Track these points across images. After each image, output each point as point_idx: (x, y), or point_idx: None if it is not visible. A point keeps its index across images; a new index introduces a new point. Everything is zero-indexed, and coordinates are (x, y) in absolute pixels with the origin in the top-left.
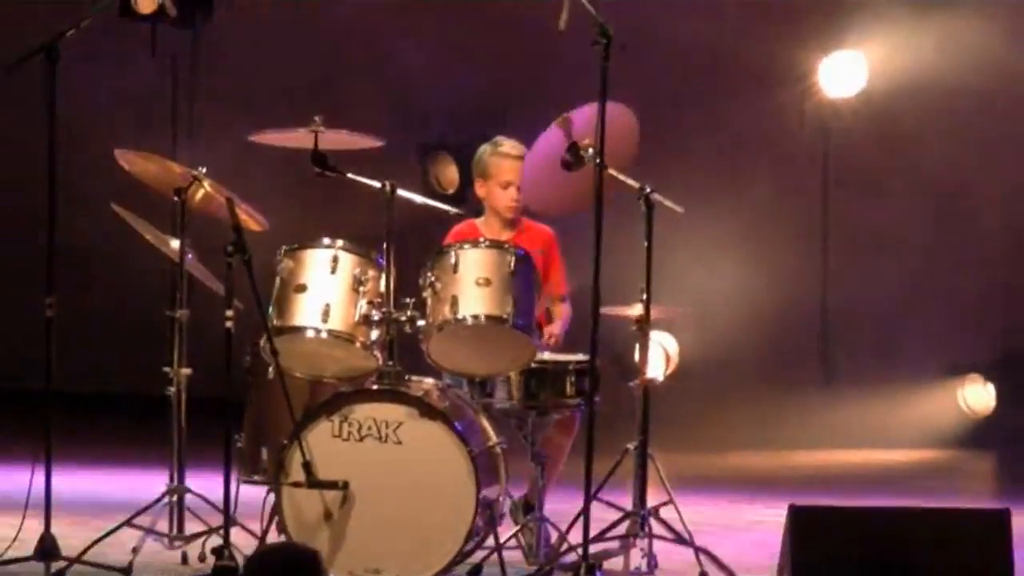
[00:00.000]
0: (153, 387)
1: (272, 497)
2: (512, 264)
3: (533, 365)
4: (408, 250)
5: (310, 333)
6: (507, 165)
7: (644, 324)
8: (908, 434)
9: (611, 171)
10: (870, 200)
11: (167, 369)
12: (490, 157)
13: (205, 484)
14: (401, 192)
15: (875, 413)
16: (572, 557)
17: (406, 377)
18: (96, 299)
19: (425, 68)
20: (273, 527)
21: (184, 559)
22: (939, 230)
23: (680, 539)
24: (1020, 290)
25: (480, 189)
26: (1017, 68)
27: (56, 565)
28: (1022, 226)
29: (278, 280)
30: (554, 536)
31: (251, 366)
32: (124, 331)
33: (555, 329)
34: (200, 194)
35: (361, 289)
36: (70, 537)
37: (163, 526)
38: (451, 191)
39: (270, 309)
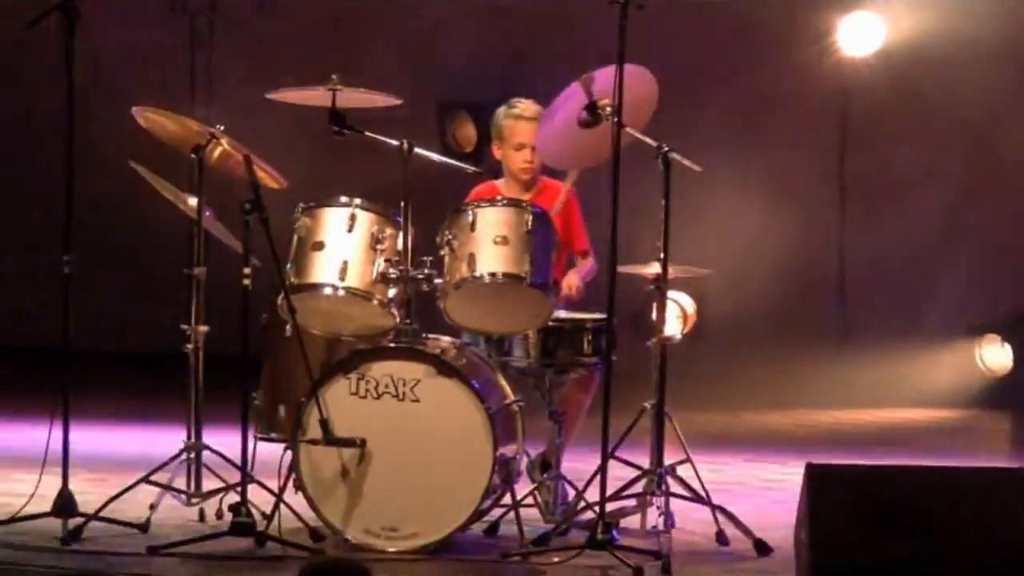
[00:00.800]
0: (171, 344)
1: (289, 454)
2: (530, 223)
3: (550, 323)
4: (426, 209)
5: (327, 291)
6: (520, 127)
7: (661, 283)
8: (925, 394)
9: (629, 130)
10: (888, 159)
11: (185, 326)
12: (504, 119)
13: (222, 441)
14: (419, 150)
15: (893, 372)
16: (589, 515)
17: (423, 335)
18: (114, 256)
19: (444, 26)
20: (290, 484)
21: (201, 516)
22: (957, 191)
23: (697, 497)
24: None
25: (497, 151)
26: None
27: (74, 521)
28: None
29: (295, 238)
30: (571, 494)
31: (268, 324)
32: (142, 288)
33: (572, 279)
34: (218, 151)
35: (378, 247)
36: (88, 494)
37: (180, 483)
38: (469, 150)
39: (287, 266)
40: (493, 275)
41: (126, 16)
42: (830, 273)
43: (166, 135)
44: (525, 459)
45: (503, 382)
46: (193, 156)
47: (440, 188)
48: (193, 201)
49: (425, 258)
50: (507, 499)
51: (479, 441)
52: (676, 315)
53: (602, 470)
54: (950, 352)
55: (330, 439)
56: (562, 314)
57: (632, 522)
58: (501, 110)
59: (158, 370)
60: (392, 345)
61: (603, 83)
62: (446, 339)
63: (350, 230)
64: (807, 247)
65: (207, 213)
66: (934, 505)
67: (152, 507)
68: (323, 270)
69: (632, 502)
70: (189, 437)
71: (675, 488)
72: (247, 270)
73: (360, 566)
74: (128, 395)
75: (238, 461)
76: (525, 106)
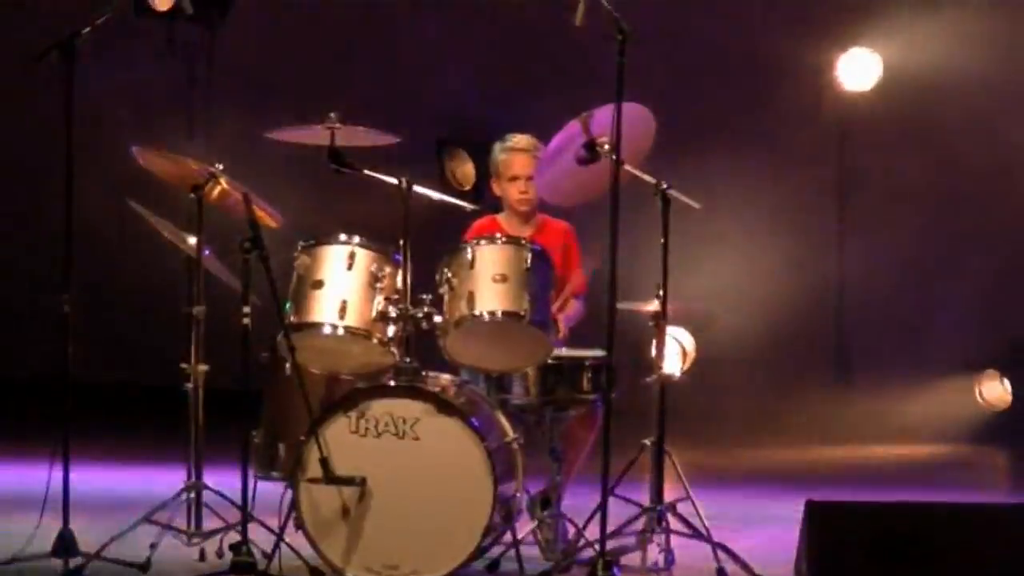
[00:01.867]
0: (170, 383)
1: (290, 493)
2: (529, 260)
3: (549, 361)
4: (425, 246)
5: (327, 329)
6: (514, 159)
7: (660, 319)
8: (925, 429)
9: (627, 167)
10: (886, 194)
11: (184, 365)
12: (499, 154)
13: (222, 480)
14: (417, 188)
15: (892, 408)
16: (589, 553)
17: (423, 373)
18: (113, 295)
19: (441, 64)
20: (290, 523)
21: (202, 555)
22: (956, 226)
23: (697, 534)
24: None
25: (496, 187)
26: None
27: (74, 562)
28: None
29: (295, 276)
30: (571, 532)
31: (268, 362)
32: (141, 327)
33: (561, 324)
34: (217, 191)
35: (378, 285)
36: (88, 533)
37: (181, 522)
38: (467, 187)
39: (287, 305)
40: (492, 313)
41: (124, 56)
42: (829, 309)
43: (165, 174)
44: (525, 497)
45: (503, 420)
46: (192, 195)
47: (439, 225)
48: (192, 240)
49: (424, 296)
50: (507, 537)
51: (479, 479)
52: (676, 352)
53: (602, 507)
54: (949, 387)
55: (330, 478)
56: (562, 352)
57: (633, 559)
58: (496, 145)
59: (158, 409)
60: (392, 383)
61: (601, 120)
62: (446, 377)
63: (349, 268)
64: (805, 284)
65: (206, 251)
66: (933, 540)
67: (152, 547)
68: (322, 309)
69: (632, 539)
70: (189, 476)
71: (675, 525)
72: (247, 309)
73: None
74: (128, 434)
75: (238, 500)
76: (519, 139)
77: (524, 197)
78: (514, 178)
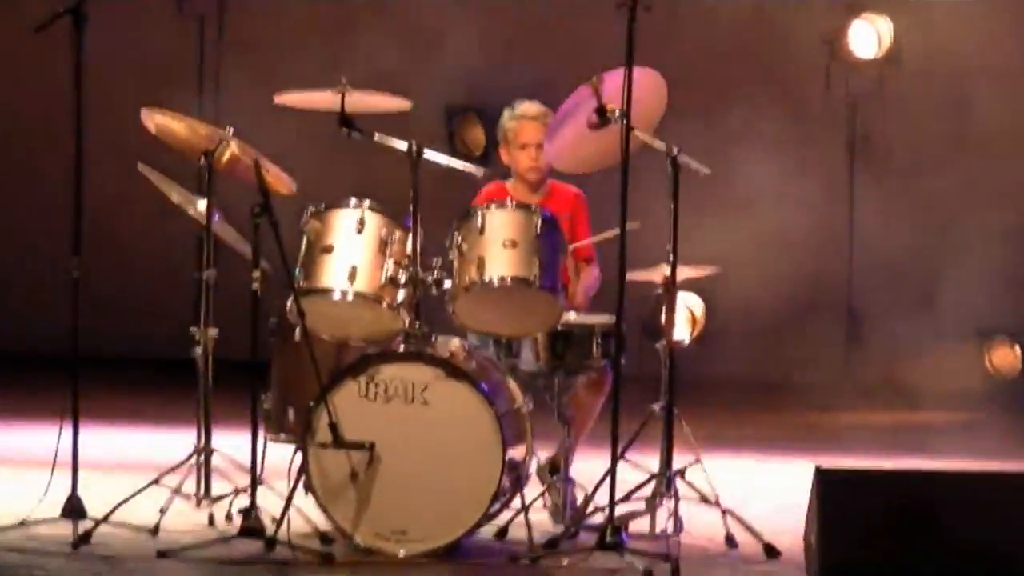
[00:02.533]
0: (180, 348)
1: (299, 458)
2: (539, 226)
3: (559, 327)
4: (434, 212)
5: (337, 294)
6: (524, 126)
7: (670, 285)
8: (935, 396)
9: (637, 132)
10: (896, 162)
11: (194, 330)
12: (508, 121)
13: (232, 444)
14: (427, 153)
15: (902, 375)
16: (598, 518)
17: (432, 338)
18: (123, 260)
19: (452, 29)
20: (300, 487)
21: (211, 520)
22: (968, 192)
23: (706, 500)
24: None
25: (504, 155)
26: None
27: (83, 525)
28: None
29: (305, 241)
30: (580, 497)
31: (278, 327)
32: (151, 292)
33: (579, 298)
34: (227, 155)
35: (388, 250)
36: (97, 497)
37: (190, 486)
38: (477, 153)
39: (297, 270)
40: (502, 278)
41: (134, 20)
42: (839, 275)
43: (175, 139)
44: (534, 462)
45: (512, 385)
46: (202, 160)
47: (448, 191)
48: (202, 204)
49: (434, 261)
50: (516, 502)
51: (488, 444)
52: (685, 318)
53: (611, 473)
54: (960, 354)
55: (339, 442)
56: (571, 317)
57: (641, 525)
58: (505, 113)
59: (167, 373)
60: (401, 348)
61: (612, 86)
62: (455, 342)
63: (359, 233)
64: (816, 250)
65: (216, 216)
66: (944, 508)
67: (162, 511)
68: (332, 274)
69: (641, 505)
70: (199, 440)
71: (684, 491)
72: (256, 274)
73: None
74: (137, 398)
75: (247, 464)
76: (528, 106)
77: (534, 165)
78: (524, 146)
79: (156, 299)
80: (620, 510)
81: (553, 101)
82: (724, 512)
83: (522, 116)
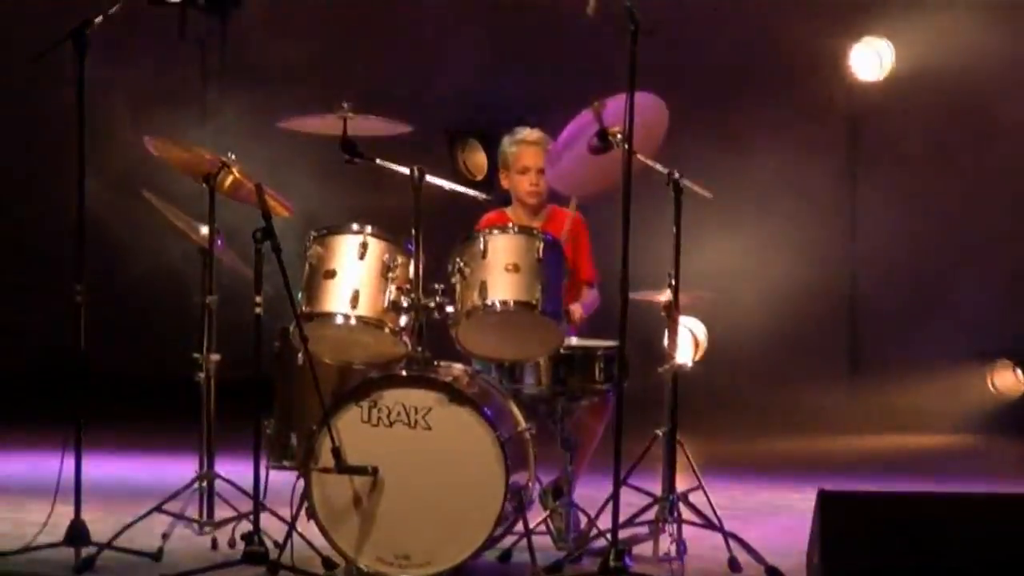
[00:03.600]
0: (182, 373)
1: (302, 483)
2: (541, 250)
3: (562, 351)
4: (437, 236)
5: (339, 319)
6: (523, 151)
7: (672, 309)
8: (937, 419)
9: (640, 156)
10: (899, 184)
11: (196, 355)
12: (508, 147)
13: (234, 470)
14: (430, 178)
15: (904, 397)
16: (601, 542)
17: (435, 363)
18: (126, 285)
19: (454, 53)
20: (303, 513)
21: (214, 545)
22: (968, 214)
23: (709, 524)
24: None
25: (504, 180)
26: None
27: (86, 551)
28: None
29: (307, 266)
30: (583, 521)
31: (280, 352)
32: (153, 317)
33: (576, 308)
34: (229, 180)
35: (390, 275)
36: (100, 523)
37: (193, 512)
38: (479, 177)
39: (299, 295)
40: (504, 303)
41: (137, 45)
42: (841, 298)
43: (177, 164)
44: (537, 486)
45: (515, 409)
46: (204, 185)
47: (450, 215)
48: (204, 230)
49: (436, 285)
50: (519, 527)
51: (491, 469)
52: (688, 342)
53: (614, 497)
54: (962, 377)
55: (342, 467)
56: (573, 341)
57: (644, 549)
58: (505, 138)
59: (170, 399)
60: (404, 373)
61: (614, 110)
62: (458, 366)
63: (362, 258)
64: (817, 273)
65: (219, 242)
66: (945, 530)
67: (164, 536)
68: (335, 298)
69: (644, 529)
70: (201, 466)
71: (687, 515)
72: (259, 298)
73: None
74: (140, 424)
75: (250, 490)
76: (527, 132)
77: (534, 189)
78: (524, 170)
79: (159, 324)
80: (623, 534)
81: (556, 125)
82: (727, 536)
83: (522, 141)
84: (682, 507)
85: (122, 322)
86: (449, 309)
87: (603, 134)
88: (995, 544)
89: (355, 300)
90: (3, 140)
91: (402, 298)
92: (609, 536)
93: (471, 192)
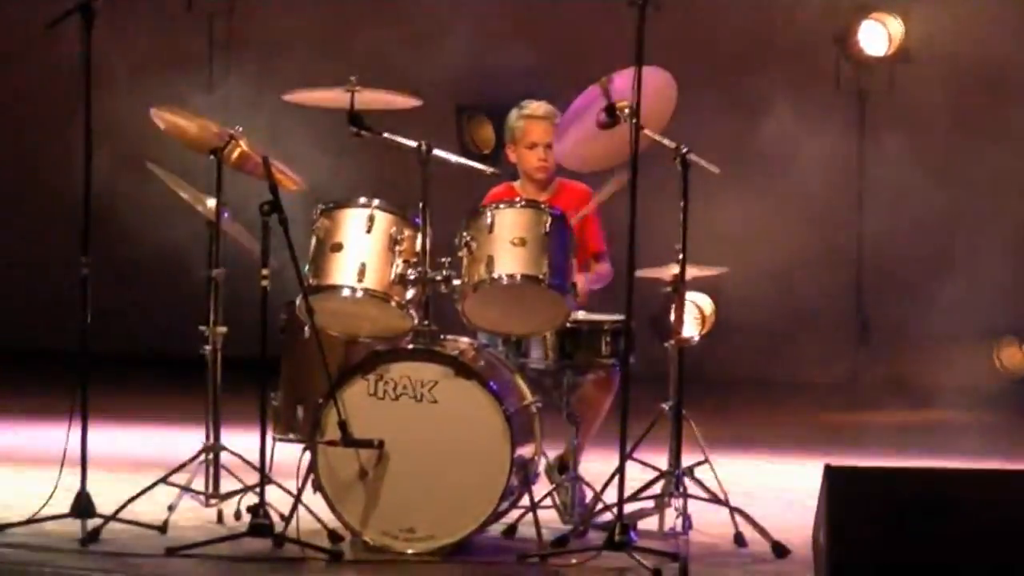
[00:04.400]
0: (189, 346)
1: (308, 455)
2: (548, 224)
3: (568, 325)
4: (443, 210)
5: (346, 292)
6: (532, 126)
7: (679, 284)
8: (943, 395)
9: (647, 131)
10: (907, 160)
11: (203, 328)
12: (516, 121)
13: (240, 442)
14: (437, 152)
15: (910, 374)
16: (607, 516)
17: (441, 336)
18: (132, 257)
19: (462, 27)
20: (308, 486)
21: (220, 517)
22: (977, 191)
23: (715, 499)
24: None
25: (511, 154)
26: None
27: (92, 522)
28: None
29: (314, 239)
30: (589, 496)
31: (287, 325)
32: (160, 289)
33: (579, 283)
34: (236, 153)
35: (397, 248)
36: (106, 495)
37: (199, 484)
38: (487, 152)
39: (306, 268)
40: (511, 276)
41: (144, 18)
42: (849, 274)
43: (184, 137)
44: (543, 460)
45: (521, 383)
46: (211, 157)
47: (457, 189)
48: (211, 202)
49: (443, 259)
50: (525, 500)
51: (497, 442)
52: (694, 316)
53: (620, 471)
54: (968, 354)
55: (348, 440)
56: (580, 315)
57: (650, 524)
58: (513, 112)
59: (176, 371)
60: (410, 347)
61: (622, 85)
62: (464, 340)
63: (368, 231)
64: (825, 250)
65: (225, 214)
66: (953, 506)
67: (170, 508)
68: (341, 271)
69: (650, 504)
70: (207, 438)
71: (693, 490)
72: (266, 271)
73: None
74: (146, 396)
75: (256, 462)
76: (536, 106)
77: (543, 164)
78: (532, 145)
79: (165, 296)
80: (629, 509)
81: (563, 100)
82: (733, 511)
83: (530, 116)
84: (688, 482)
85: (128, 295)
86: (456, 283)
87: (611, 109)
88: (1001, 519)
89: (362, 273)
90: (9, 111)
91: (409, 271)
92: (615, 510)
93: (478, 166)
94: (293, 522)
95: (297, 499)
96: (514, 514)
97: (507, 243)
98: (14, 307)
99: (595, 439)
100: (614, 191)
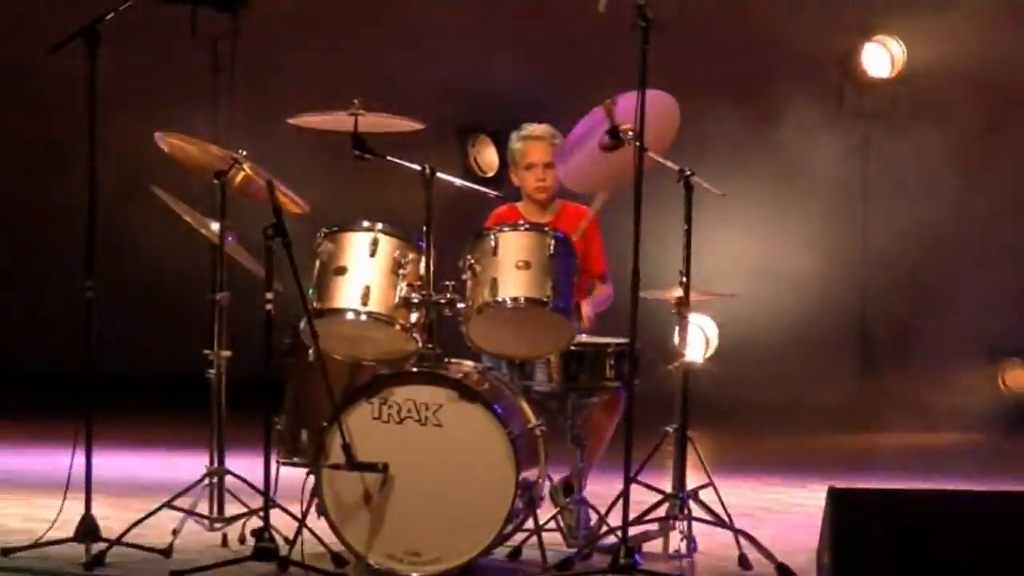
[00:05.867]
0: (193, 369)
1: (312, 479)
2: (552, 247)
3: (572, 348)
4: (447, 233)
5: (350, 315)
6: (530, 146)
7: (683, 307)
8: (946, 417)
9: (650, 154)
10: (910, 183)
11: (207, 351)
12: (515, 143)
13: (245, 466)
14: (440, 175)
15: (914, 395)
16: (612, 540)
17: (445, 360)
18: (137, 282)
19: (466, 51)
20: (313, 509)
21: (224, 541)
22: (979, 213)
23: (719, 522)
24: None
25: (514, 177)
26: None
27: (97, 546)
28: None
29: (318, 263)
30: (594, 518)
31: (291, 348)
32: (164, 313)
33: (585, 309)
34: (240, 177)
35: (401, 272)
36: (110, 519)
37: (203, 508)
38: (490, 174)
39: (310, 291)
40: (515, 300)
41: (148, 42)
42: (852, 296)
43: (188, 160)
44: (548, 483)
45: (526, 406)
46: (215, 181)
47: (461, 212)
48: (215, 226)
49: (447, 282)
50: (530, 523)
51: (501, 465)
52: (699, 340)
53: (625, 494)
54: (972, 375)
55: (353, 464)
56: (584, 338)
57: (655, 546)
58: (513, 135)
59: (181, 395)
60: (415, 370)
61: (625, 107)
62: (468, 363)
63: (372, 255)
64: (829, 272)
65: (229, 238)
66: (957, 529)
67: (175, 532)
68: (345, 295)
69: (655, 526)
70: (212, 462)
71: (697, 512)
72: (270, 295)
73: None
74: (151, 420)
75: (261, 486)
76: (534, 127)
77: (541, 185)
78: (530, 166)
79: (170, 320)
80: (633, 531)
81: (568, 122)
82: (737, 533)
83: (528, 136)
84: (692, 504)
85: (133, 318)
86: (460, 306)
87: (614, 131)
88: (1005, 543)
89: (366, 297)
90: (13, 136)
91: (413, 295)
92: (619, 533)
93: (482, 189)
94: (298, 546)
95: (301, 523)
96: (519, 537)
97: (511, 266)
98: (18, 330)
99: (600, 462)
100: (605, 199)
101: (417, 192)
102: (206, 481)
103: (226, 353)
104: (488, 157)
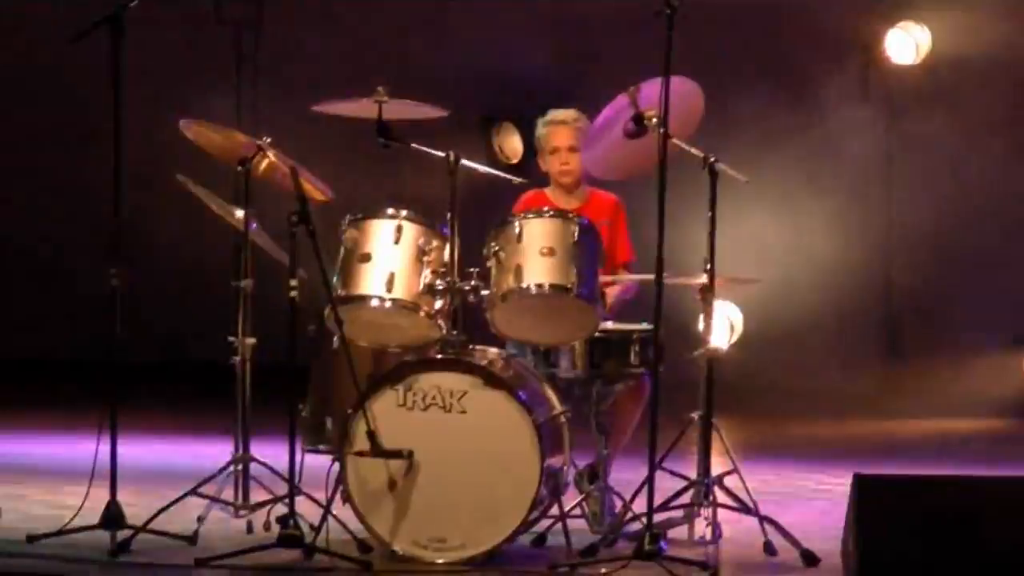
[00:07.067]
0: (218, 356)
1: (337, 466)
2: (576, 234)
3: (597, 334)
4: (472, 220)
5: (374, 302)
6: (553, 131)
7: (708, 293)
8: (971, 404)
9: (675, 140)
10: (935, 169)
11: (232, 339)
12: (540, 128)
13: (270, 453)
14: (465, 162)
15: (939, 382)
16: (636, 526)
17: (470, 346)
18: (162, 269)
19: (490, 38)
20: (338, 496)
21: (249, 528)
22: (1004, 199)
23: (744, 508)
24: None
25: (541, 163)
26: None
27: (122, 534)
28: None
29: (342, 250)
30: (618, 505)
31: (316, 335)
32: (189, 301)
33: (610, 294)
34: (264, 164)
35: (425, 259)
36: (135, 506)
37: (228, 495)
38: (515, 161)
39: (335, 279)
40: (540, 286)
41: (173, 29)
42: (877, 282)
43: (213, 148)
44: (572, 470)
45: (550, 393)
46: (240, 168)
47: (486, 199)
48: (240, 213)
49: (471, 269)
50: (555, 510)
51: (526, 452)
52: (724, 327)
53: (649, 481)
54: (997, 362)
55: (377, 451)
56: (609, 325)
57: (680, 533)
58: (538, 121)
59: (206, 382)
60: (439, 357)
61: (649, 94)
62: (493, 350)
63: (397, 242)
64: (854, 258)
65: (254, 225)
66: (982, 515)
67: (200, 519)
68: (370, 282)
69: (680, 513)
70: (237, 449)
71: (722, 498)
72: (294, 282)
73: None
74: (176, 407)
75: (286, 473)
76: (558, 112)
77: (565, 168)
78: (555, 150)
79: (195, 308)
80: (658, 518)
81: (592, 109)
82: (762, 519)
83: (551, 121)
84: (717, 491)
85: (158, 305)
86: (484, 292)
87: (639, 118)
88: None
89: (390, 283)
90: (40, 126)
91: (437, 281)
92: (644, 520)
93: (506, 176)
94: (323, 533)
95: (327, 510)
96: (544, 523)
97: (536, 253)
98: (42, 319)
99: (624, 448)
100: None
101: (440, 179)
102: (231, 468)
103: (251, 340)
104: (512, 144)
